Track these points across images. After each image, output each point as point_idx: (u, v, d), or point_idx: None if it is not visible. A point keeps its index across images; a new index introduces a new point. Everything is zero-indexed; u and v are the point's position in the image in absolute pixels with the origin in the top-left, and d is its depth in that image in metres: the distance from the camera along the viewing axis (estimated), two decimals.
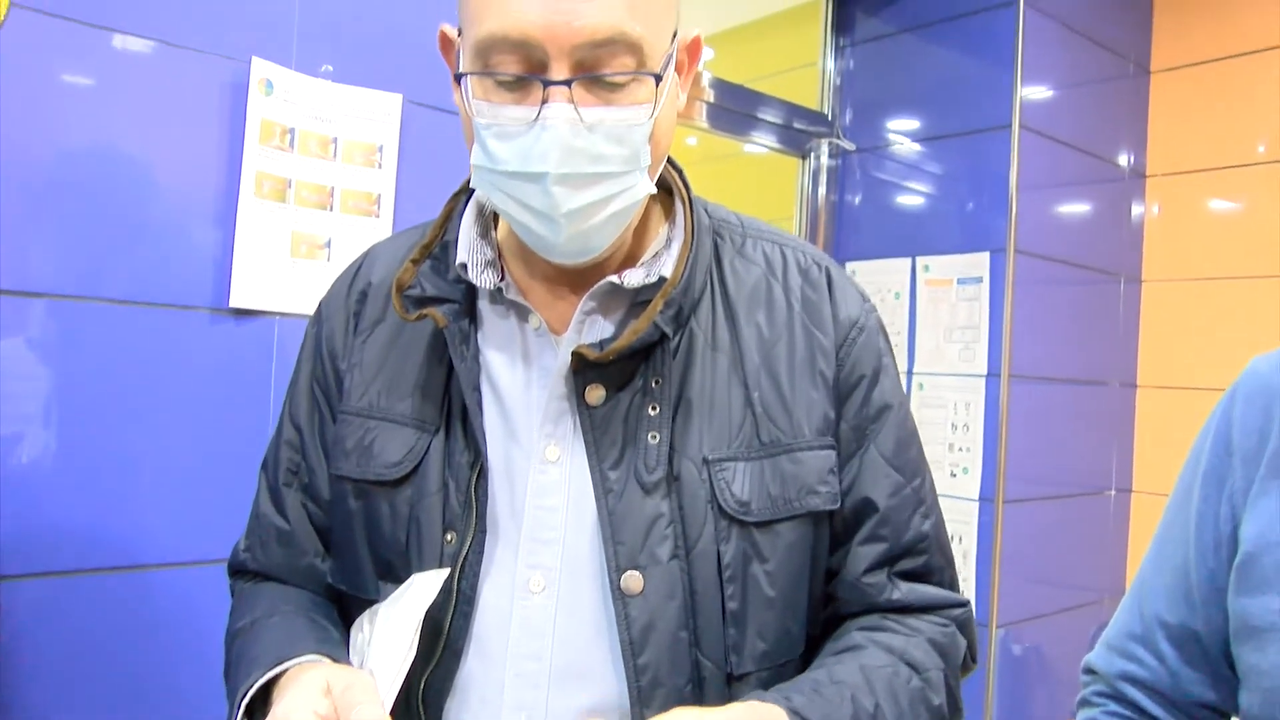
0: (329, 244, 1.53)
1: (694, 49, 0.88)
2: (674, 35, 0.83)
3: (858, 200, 2.84)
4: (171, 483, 1.44)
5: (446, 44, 0.86)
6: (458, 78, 0.81)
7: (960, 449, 2.55)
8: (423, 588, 0.83)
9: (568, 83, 0.75)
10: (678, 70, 0.86)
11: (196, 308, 1.45)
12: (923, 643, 0.89)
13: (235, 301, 1.45)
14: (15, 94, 1.30)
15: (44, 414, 1.35)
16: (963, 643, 0.94)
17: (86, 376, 1.37)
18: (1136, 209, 2.89)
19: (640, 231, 0.91)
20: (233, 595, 1.02)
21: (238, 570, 1.03)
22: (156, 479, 1.42)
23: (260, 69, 1.47)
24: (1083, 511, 2.75)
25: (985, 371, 2.50)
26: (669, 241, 0.91)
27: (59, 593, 1.35)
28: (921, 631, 0.90)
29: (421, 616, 0.80)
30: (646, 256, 0.90)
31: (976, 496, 2.49)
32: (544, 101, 0.76)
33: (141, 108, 1.40)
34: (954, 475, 2.54)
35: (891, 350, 0.96)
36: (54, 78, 1.33)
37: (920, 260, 2.67)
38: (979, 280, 2.53)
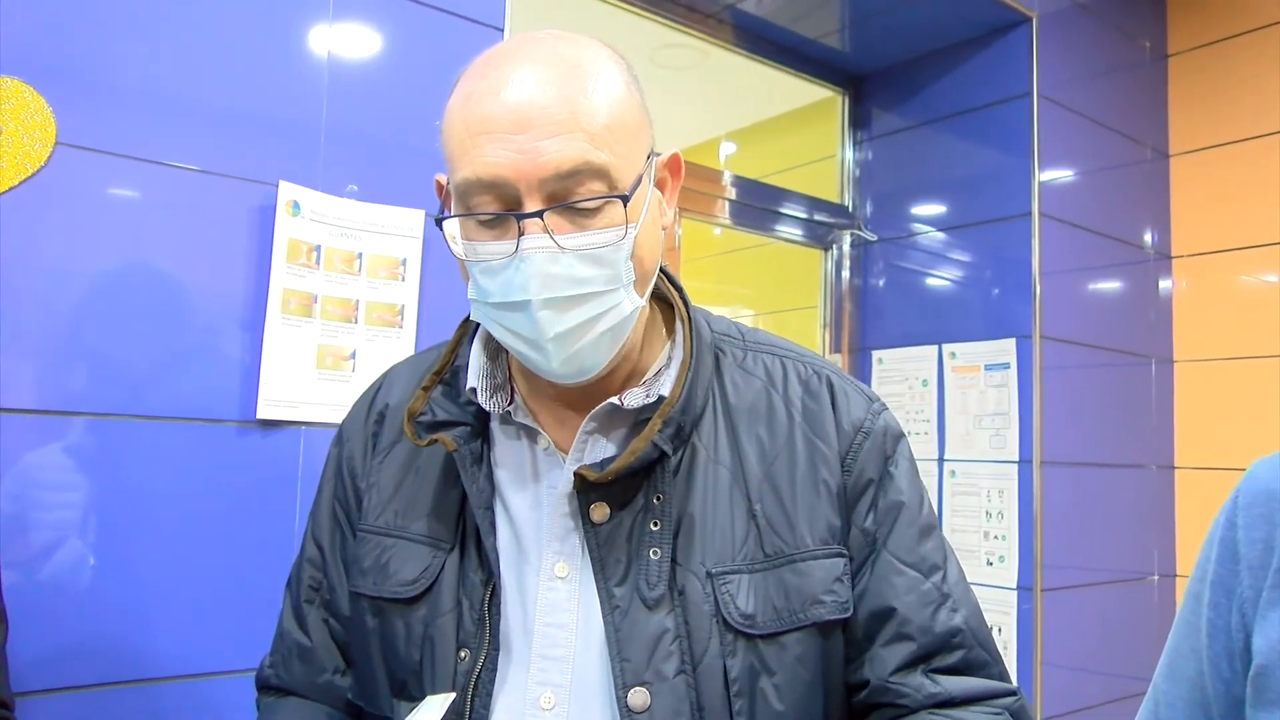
0: (354, 355, 1.57)
1: (674, 166, 0.92)
2: (650, 155, 0.87)
3: (882, 288, 2.86)
4: (197, 594, 1.46)
5: (441, 191, 0.91)
6: (438, 222, 0.86)
7: (995, 537, 2.51)
8: (430, 710, 0.84)
9: (539, 214, 0.80)
10: (659, 187, 0.90)
11: (225, 421, 1.49)
12: None
13: (262, 413, 1.49)
14: (58, 221, 1.37)
15: (73, 528, 1.38)
16: None
17: (117, 490, 1.41)
18: (1164, 289, 2.89)
19: (643, 349, 0.93)
20: (258, 710, 1.04)
21: (263, 685, 1.05)
22: (183, 591, 1.45)
23: (288, 191, 1.53)
24: (1126, 598, 2.69)
25: (1017, 458, 2.48)
26: (670, 360, 0.93)
27: (82, 708, 1.37)
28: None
29: None
30: (649, 375, 0.92)
31: (1014, 585, 2.45)
32: (520, 234, 0.80)
33: (175, 231, 1.46)
34: (990, 564, 2.51)
35: (905, 446, 0.96)
36: (94, 206, 1.40)
37: (947, 347, 2.67)
38: (1006, 366, 2.53)
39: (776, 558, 0.88)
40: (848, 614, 0.89)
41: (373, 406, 1.03)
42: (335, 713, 0.98)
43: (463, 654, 0.87)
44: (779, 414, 0.93)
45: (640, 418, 0.90)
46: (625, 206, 0.82)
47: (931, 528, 0.95)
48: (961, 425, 2.62)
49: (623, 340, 0.87)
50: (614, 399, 0.89)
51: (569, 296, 0.81)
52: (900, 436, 0.97)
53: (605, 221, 0.82)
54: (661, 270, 0.94)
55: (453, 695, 0.84)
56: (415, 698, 0.89)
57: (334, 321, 1.57)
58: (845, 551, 0.91)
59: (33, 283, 1.35)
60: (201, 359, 1.47)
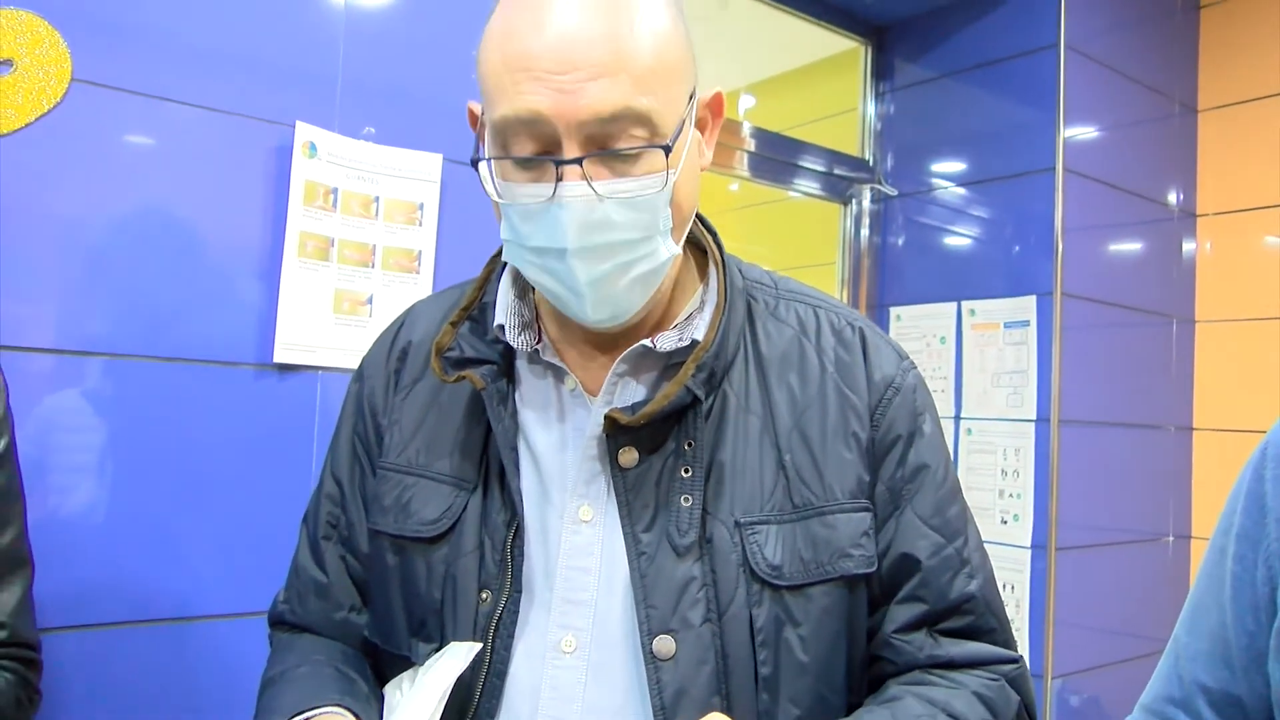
0: (371, 300, 1.56)
1: (716, 105, 0.89)
2: (692, 95, 0.84)
3: (901, 244, 2.83)
4: (215, 536, 1.46)
5: (474, 120, 0.88)
6: (474, 163, 0.84)
7: (1010, 495, 2.50)
8: (455, 657, 0.83)
9: (579, 160, 0.77)
10: (699, 128, 0.88)
11: (242, 364, 1.48)
12: (966, 695, 0.86)
13: (279, 357, 1.48)
14: (74, 161, 1.35)
15: (93, 468, 1.38)
16: (1015, 698, 0.90)
17: (135, 432, 1.40)
18: (1188, 248, 2.85)
19: (675, 293, 0.92)
20: (270, 646, 1.03)
21: (276, 621, 1.04)
22: (200, 532, 1.45)
23: (304, 132, 1.50)
24: (1140, 559, 2.68)
25: (1034, 416, 2.47)
26: (702, 304, 0.91)
27: (103, 645, 1.38)
28: (965, 685, 0.87)
29: (449, 685, 0.81)
30: (680, 319, 0.91)
31: (1028, 544, 2.45)
32: (558, 179, 0.78)
33: (191, 172, 1.44)
34: (1004, 522, 2.50)
35: (933, 407, 0.95)
36: (110, 145, 1.38)
37: (966, 304, 2.64)
38: (1026, 324, 2.50)
39: (805, 509, 0.87)
40: (874, 569, 0.88)
41: (395, 343, 1.01)
42: (350, 650, 0.98)
43: (484, 595, 0.86)
44: (811, 363, 0.92)
45: (671, 362, 0.89)
46: (667, 155, 0.79)
47: (956, 492, 0.94)
48: (979, 383, 2.60)
49: (656, 286, 0.85)
50: (646, 341, 0.87)
51: (606, 244, 0.80)
52: (929, 398, 0.95)
53: (645, 169, 0.80)
54: (695, 214, 0.92)
55: (479, 646, 0.84)
56: (434, 638, 0.88)
57: (351, 266, 1.55)
58: (871, 506, 0.89)
59: (49, 221, 1.34)
60: (218, 301, 1.46)
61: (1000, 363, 2.56)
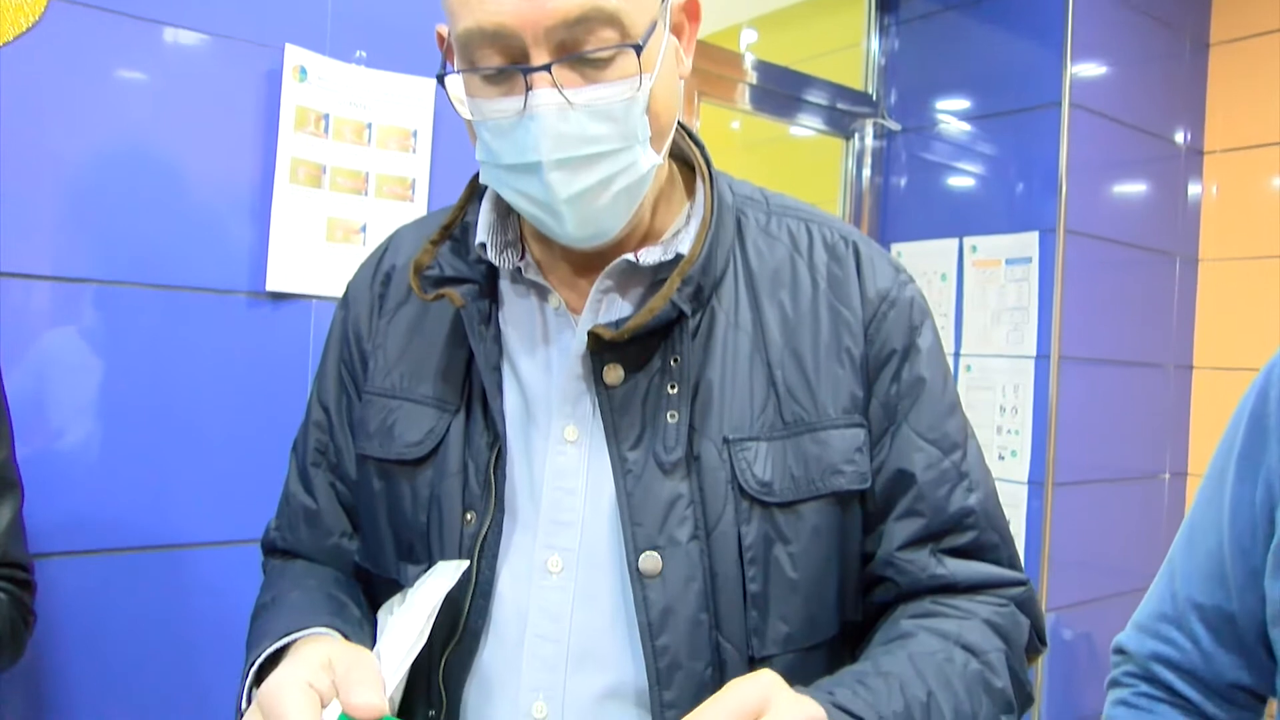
0: (364, 229, 1.54)
1: (692, 9, 0.86)
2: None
3: (903, 181, 2.80)
4: (207, 464, 1.46)
5: (442, 41, 0.86)
6: (440, 79, 0.81)
7: (1009, 432, 2.50)
8: (442, 576, 0.83)
9: (547, 67, 0.74)
10: (675, 33, 0.84)
11: (234, 292, 1.47)
12: (978, 625, 0.85)
13: (272, 285, 1.47)
14: (56, 85, 1.32)
15: (84, 396, 1.37)
16: (1025, 623, 0.89)
17: (128, 359, 1.40)
18: (1193, 187, 2.81)
19: (661, 209, 0.90)
20: (264, 573, 1.03)
21: (269, 549, 1.04)
22: (194, 461, 1.45)
23: (294, 56, 1.48)
24: (1136, 496, 2.69)
25: (1034, 353, 2.46)
26: (689, 219, 0.90)
27: (99, 571, 1.38)
28: (976, 614, 0.86)
29: (437, 604, 0.80)
30: (667, 235, 0.89)
31: (1025, 480, 2.45)
32: (528, 89, 0.75)
33: (178, 96, 1.41)
34: (1002, 458, 2.50)
35: (931, 322, 0.93)
36: (92, 68, 1.35)
37: (968, 241, 2.62)
38: (1028, 261, 2.48)
39: (796, 426, 0.86)
40: (866, 485, 0.87)
41: (379, 268, 1.00)
42: (342, 575, 0.98)
43: (469, 517, 0.86)
44: (803, 280, 0.90)
45: (657, 278, 0.87)
46: (639, 56, 0.77)
47: (954, 406, 0.92)
48: (979, 320, 2.59)
49: (639, 200, 0.83)
50: (629, 255, 0.85)
51: (582, 156, 0.77)
52: (926, 312, 0.93)
53: (618, 73, 0.77)
54: (681, 127, 0.90)
55: (465, 563, 0.83)
56: (421, 560, 0.88)
57: (344, 193, 1.53)
58: (865, 423, 0.88)
59: (33, 146, 1.32)
60: (208, 228, 1.45)
61: (1001, 300, 2.54)
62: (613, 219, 0.82)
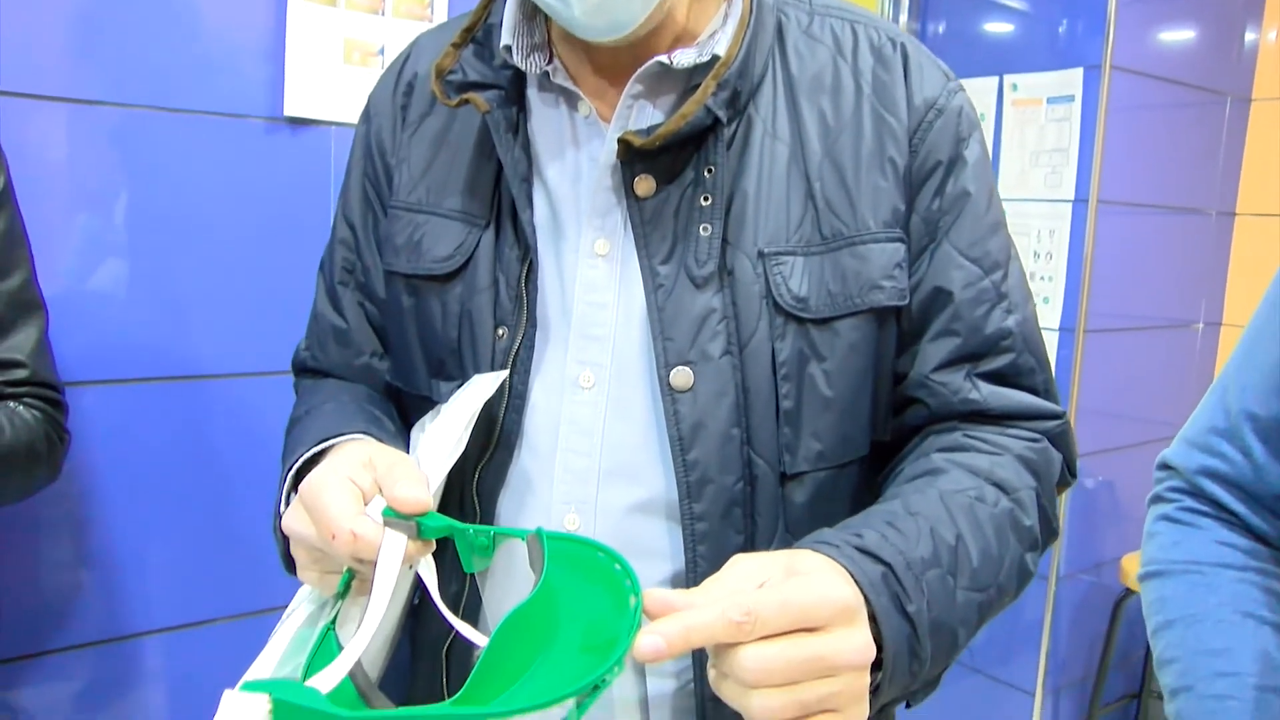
0: (382, 51, 1.48)
1: None
2: None
3: (941, 18, 2.67)
4: (229, 293, 1.45)
5: None
6: None
7: (1043, 278, 2.46)
8: (480, 386, 0.82)
9: None
10: None
11: (251, 116, 1.42)
12: (1011, 461, 0.83)
13: (289, 110, 1.43)
14: None
15: (103, 222, 1.35)
16: (1057, 457, 0.88)
17: (147, 185, 1.37)
18: (1251, 29, 2.67)
19: (695, 8, 0.84)
20: (296, 392, 1.03)
21: (300, 369, 1.04)
22: (214, 289, 1.44)
23: None
24: (1169, 345, 2.66)
25: (1073, 197, 2.39)
26: (725, 19, 0.84)
27: (126, 399, 1.39)
28: (1009, 449, 0.84)
29: (474, 414, 0.80)
30: (702, 36, 0.84)
31: (1057, 326, 2.42)
32: None
33: None
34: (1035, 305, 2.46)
35: (980, 135, 0.88)
36: None
37: (1008, 79, 2.51)
38: (1071, 99, 2.39)
39: (834, 240, 0.82)
40: (905, 301, 0.84)
41: (400, 77, 0.96)
42: (374, 393, 0.97)
43: (500, 331, 0.84)
44: (846, 85, 0.85)
45: (692, 83, 0.83)
46: None
47: (998, 224, 0.88)
48: (1017, 163, 2.51)
49: None
50: (662, 58, 0.81)
51: None
52: (975, 123, 0.88)
53: None
54: None
55: (504, 374, 0.82)
56: (454, 376, 0.87)
57: (360, 11, 1.46)
58: (905, 238, 0.85)
59: None
60: (221, 47, 1.39)
61: (1040, 141, 2.46)
62: (627, 9, 0.76)
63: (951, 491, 0.78)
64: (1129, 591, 2.53)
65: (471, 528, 0.68)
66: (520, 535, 0.68)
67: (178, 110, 1.37)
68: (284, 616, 0.75)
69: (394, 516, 0.66)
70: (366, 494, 0.68)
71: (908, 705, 0.79)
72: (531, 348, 0.84)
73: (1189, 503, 0.88)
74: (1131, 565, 2.49)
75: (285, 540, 0.75)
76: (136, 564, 1.43)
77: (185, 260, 1.41)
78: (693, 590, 0.60)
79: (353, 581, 0.69)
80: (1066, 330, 2.40)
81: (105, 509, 1.41)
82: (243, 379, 1.47)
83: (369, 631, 0.62)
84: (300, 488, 0.69)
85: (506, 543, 0.73)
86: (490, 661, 0.57)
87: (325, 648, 0.64)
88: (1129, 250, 2.47)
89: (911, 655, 0.66)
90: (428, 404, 0.89)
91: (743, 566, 0.63)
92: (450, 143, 0.90)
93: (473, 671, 0.57)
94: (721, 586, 0.61)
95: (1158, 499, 0.91)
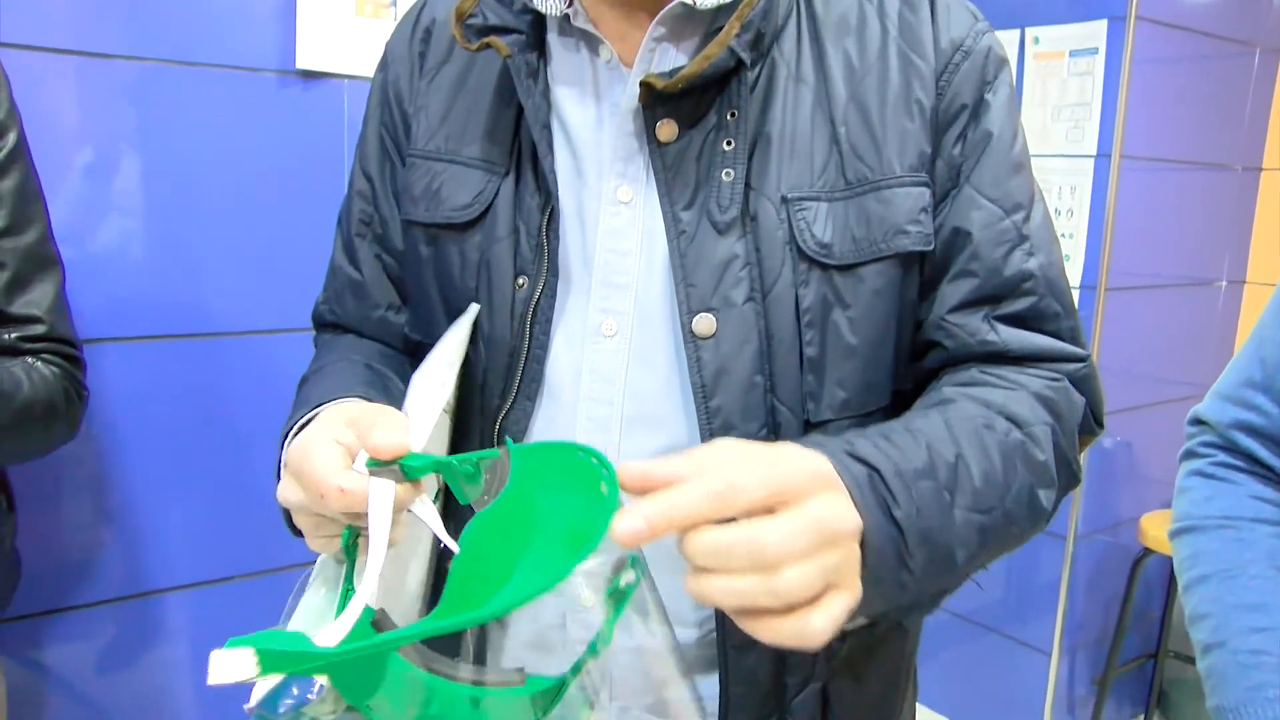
0: (394, 3, 1.46)
1: None
2: None
3: None
4: (247, 251, 1.44)
5: None
6: None
7: (1064, 235, 2.43)
8: (458, 328, 0.81)
9: None
10: None
11: (264, 70, 1.41)
12: (1026, 397, 0.80)
13: (302, 63, 1.41)
14: None
15: (122, 179, 1.35)
16: (1080, 400, 0.85)
17: (162, 140, 1.36)
18: None
19: None
20: (315, 347, 1.02)
21: (319, 322, 1.03)
22: (232, 247, 1.43)
23: None
24: (1191, 302, 2.63)
25: (1095, 152, 2.35)
26: None
27: (145, 355, 1.39)
28: (1025, 386, 0.81)
29: (453, 354, 0.79)
30: None
31: (1078, 284, 2.39)
32: None
33: None
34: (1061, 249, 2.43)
35: (1008, 76, 0.86)
36: None
37: (1030, 31, 2.47)
38: (1094, 52, 2.34)
39: (859, 185, 0.81)
40: (930, 247, 0.83)
41: (418, 24, 0.94)
42: (389, 349, 0.96)
43: (520, 281, 0.83)
44: (871, 26, 0.83)
45: (715, 26, 0.81)
46: None
47: (1022, 165, 0.86)
48: (1039, 117, 2.47)
49: None
50: None
51: None
52: (1004, 62, 0.86)
53: None
54: None
55: (476, 308, 0.83)
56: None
57: None
58: (931, 183, 0.83)
59: None
60: (234, 2, 1.38)
61: (1063, 95, 2.42)
62: None
63: (958, 418, 0.75)
64: (1147, 551, 2.52)
65: (454, 459, 0.67)
66: (496, 454, 0.66)
67: (190, 64, 1.35)
68: (299, 588, 0.74)
69: (377, 465, 0.64)
70: (352, 450, 0.66)
71: (901, 623, 0.77)
72: (553, 297, 0.83)
73: (1222, 457, 0.86)
74: (1150, 525, 2.47)
75: (287, 511, 0.74)
76: (157, 521, 1.44)
77: (199, 215, 1.40)
78: (671, 458, 0.57)
79: (360, 540, 0.68)
80: (1087, 288, 2.38)
81: (126, 467, 1.41)
82: (260, 336, 1.47)
83: (371, 580, 0.61)
84: (285, 458, 0.68)
85: None
86: (466, 574, 0.57)
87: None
88: (1152, 206, 2.44)
89: (899, 563, 0.64)
90: None
91: (723, 444, 0.60)
92: (469, 89, 0.89)
93: (447, 582, 0.56)
94: (703, 459, 0.57)
95: (1190, 454, 0.90)
